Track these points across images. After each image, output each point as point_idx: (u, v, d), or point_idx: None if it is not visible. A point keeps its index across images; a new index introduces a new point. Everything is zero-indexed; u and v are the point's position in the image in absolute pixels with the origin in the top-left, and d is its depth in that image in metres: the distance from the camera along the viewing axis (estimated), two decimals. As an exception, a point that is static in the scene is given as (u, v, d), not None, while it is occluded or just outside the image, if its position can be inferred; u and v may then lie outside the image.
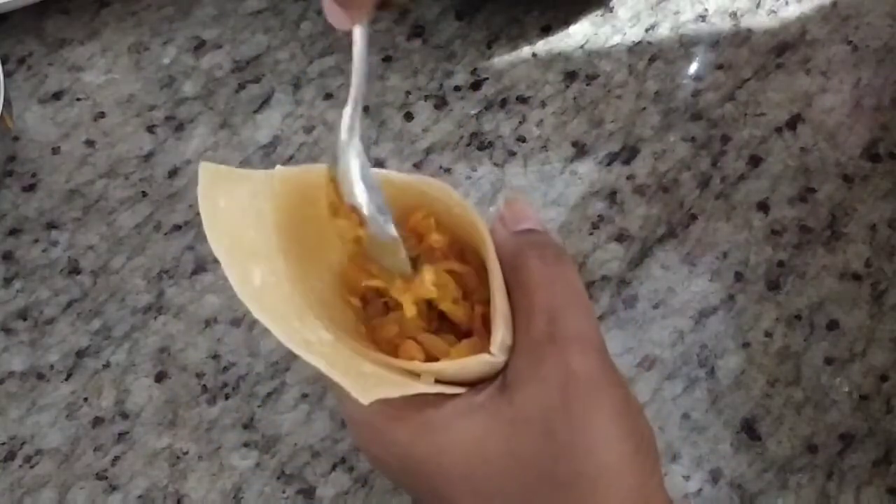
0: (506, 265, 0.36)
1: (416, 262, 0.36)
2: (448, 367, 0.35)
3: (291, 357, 0.51)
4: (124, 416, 0.49)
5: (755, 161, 0.57)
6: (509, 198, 0.40)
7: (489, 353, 0.34)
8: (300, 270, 0.36)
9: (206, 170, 0.36)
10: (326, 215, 0.37)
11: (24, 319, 0.51)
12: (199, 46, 0.60)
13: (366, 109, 0.58)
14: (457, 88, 0.59)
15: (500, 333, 0.34)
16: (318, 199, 0.37)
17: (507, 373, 0.35)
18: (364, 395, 0.33)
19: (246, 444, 0.49)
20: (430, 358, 0.36)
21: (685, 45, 0.62)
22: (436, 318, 0.37)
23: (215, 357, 0.51)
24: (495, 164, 0.57)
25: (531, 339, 0.34)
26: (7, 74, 0.54)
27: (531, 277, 0.35)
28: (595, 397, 0.33)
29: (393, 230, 0.36)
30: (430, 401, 0.34)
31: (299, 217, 0.37)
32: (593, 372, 0.33)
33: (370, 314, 0.38)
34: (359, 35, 0.36)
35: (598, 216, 0.55)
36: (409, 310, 0.36)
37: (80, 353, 0.51)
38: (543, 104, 0.59)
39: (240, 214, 0.36)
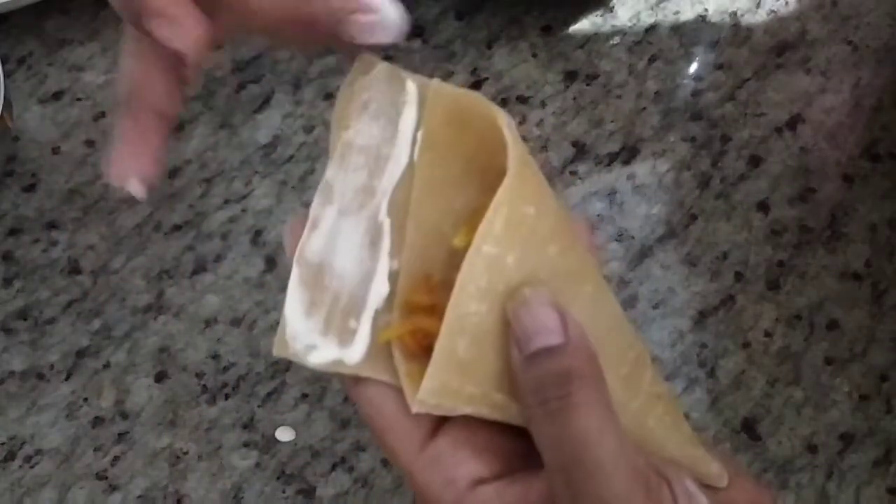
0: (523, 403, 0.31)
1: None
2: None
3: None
4: (124, 416, 0.49)
5: (755, 161, 0.57)
6: (518, 301, 0.30)
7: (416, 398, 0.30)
8: (424, 179, 0.33)
9: (362, 60, 0.34)
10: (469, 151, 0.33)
11: (24, 319, 0.51)
12: (199, 46, 0.60)
13: (366, 109, 0.58)
14: (457, 88, 0.59)
15: (431, 381, 0.30)
16: (466, 125, 0.33)
17: None
18: (279, 345, 0.32)
19: (246, 444, 0.49)
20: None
21: (685, 45, 0.62)
22: None
23: (215, 357, 0.51)
24: (495, 164, 0.57)
25: (558, 497, 0.30)
26: (7, 74, 0.54)
27: (537, 432, 0.31)
28: None
29: None
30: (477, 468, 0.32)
31: (442, 141, 0.33)
32: None
33: None
34: None
35: (598, 216, 0.55)
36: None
37: (80, 353, 0.51)
38: (543, 104, 0.59)
39: (375, 107, 0.34)
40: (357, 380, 0.33)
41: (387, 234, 0.33)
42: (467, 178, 0.33)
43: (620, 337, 0.33)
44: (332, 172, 0.33)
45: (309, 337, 0.33)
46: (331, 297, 0.33)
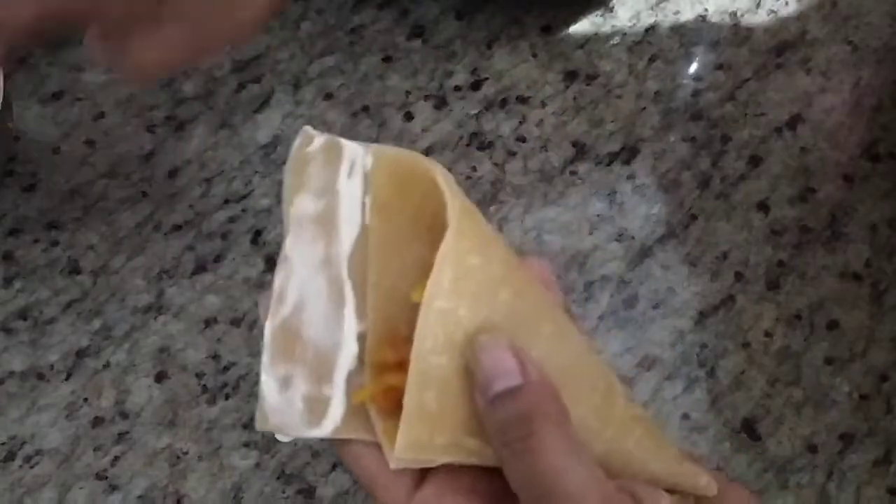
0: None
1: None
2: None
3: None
4: (124, 416, 0.49)
5: (755, 161, 0.57)
6: (476, 348, 0.31)
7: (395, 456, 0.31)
8: (379, 246, 0.34)
9: (303, 134, 0.35)
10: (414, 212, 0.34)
11: (24, 319, 0.51)
12: (199, 46, 0.60)
13: (366, 109, 0.58)
14: (457, 88, 0.59)
15: (404, 438, 0.31)
16: (408, 185, 0.34)
17: None
18: (260, 420, 0.33)
19: (246, 444, 0.49)
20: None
21: (685, 45, 0.62)
22: None
23: (215, 357, 0.51)
24: (495, 164, 0.57)
25: None
26: (7, 74, 0.54)
27: (508, 471, 0.31)
28: None
29: None
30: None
31: (389, 203, 0.34)
32: None
33: None
34: None
35: (598, 216, 0.55)
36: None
37: (80, 353, 0.51)
38: (543, 104, 0.59)
39: (320, 179, 0.34)
40: (342, 440, 0.34)
41: (350, 298, 0.34)
42: (417, 235, 0.33)
43: (587, 369, 0.34)
44: (289, 246, 0.34)
45: (288, 409, 0.33)
46: (303, 366, 0.34)
